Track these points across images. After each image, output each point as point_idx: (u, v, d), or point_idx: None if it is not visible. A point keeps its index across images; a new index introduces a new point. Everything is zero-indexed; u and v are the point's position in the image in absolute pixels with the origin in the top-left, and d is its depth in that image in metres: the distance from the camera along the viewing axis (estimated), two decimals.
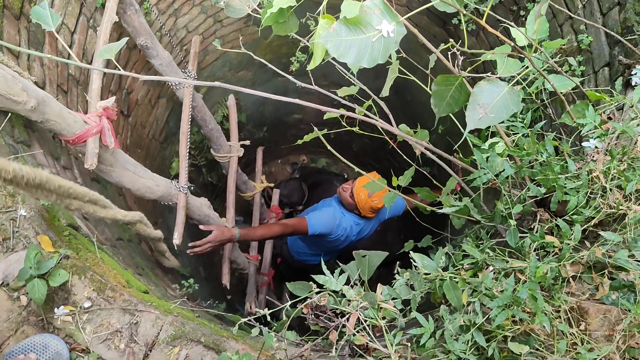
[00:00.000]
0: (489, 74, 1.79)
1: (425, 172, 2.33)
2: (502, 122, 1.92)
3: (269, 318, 1.67)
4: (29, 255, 1.54)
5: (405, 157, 2.33)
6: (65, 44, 1.80)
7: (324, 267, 1.80)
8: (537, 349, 1.52)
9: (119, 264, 2.05)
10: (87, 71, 2.66)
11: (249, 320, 1.72)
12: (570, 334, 1.53)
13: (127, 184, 2.46)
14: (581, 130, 1.75)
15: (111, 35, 2.81)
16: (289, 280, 1.86)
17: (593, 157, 1.65)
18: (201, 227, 3.14)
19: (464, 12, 1.45)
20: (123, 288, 1.75)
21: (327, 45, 1.32)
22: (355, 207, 3.63)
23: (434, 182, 2.28)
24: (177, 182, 3.01)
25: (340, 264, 1.98)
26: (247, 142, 3.97)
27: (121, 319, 1.64)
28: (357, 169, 2.21)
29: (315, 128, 2.06)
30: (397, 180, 2.26)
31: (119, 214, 2.08)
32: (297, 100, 1.71)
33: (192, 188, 3.12)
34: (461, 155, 2.04)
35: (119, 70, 1.48)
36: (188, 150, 3.19)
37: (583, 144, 1.72)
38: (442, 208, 1.94)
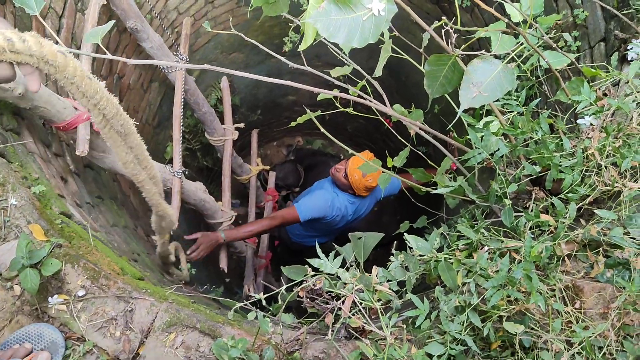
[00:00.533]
0: (483, 51, 1.76)
1: (420, 152, 2.31)
2: (497, 100, 1.90)
3: (264, 302, 1.67)
4: (21, 245, 1.52)
5: (400, 137, 2.31)
6: (52, 29, 1.76)
7: (319, 251, 1.79)
8: (533, 328, 1.52)
9: (114, 251, 2.03)
10: (77, 56, 2.62)
11: (245, 304, 1.72)
12: (565, 312, 1.53)
13: (120, 170, 2.43)
14: (576, 108, 1.73)
15: (100, 18, 2.76)
16: (287, 263, 1.86)
17: (588, 134, 1.63)
18: (185, 237, 3.22)
19: None
20: (117, 276, 1.74)
21: (316, 25, 1.29)
22: (350, 187, 3.63)
23: (429, 162, 2.27)
24: (172, 166, 2.99)
25: (336, 246, 1.97)
26: (242, 125, 3.94)
27: (116, 306, 1.64)
28: (350, 151, 2.19)
29: (308, 110, 2.04)
30: (392, 161, 2.24)
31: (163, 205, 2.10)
32: (288, 82, 1.68)
33: (186, 172, 3.10)
34: (455, 135, 2.02)
35: (107, 54, 1.44)
36: (182, 135, 3.16)
37: (578, 121, 1.70)
38: (437, 188, 1.93)
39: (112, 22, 1.59)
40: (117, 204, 2.96)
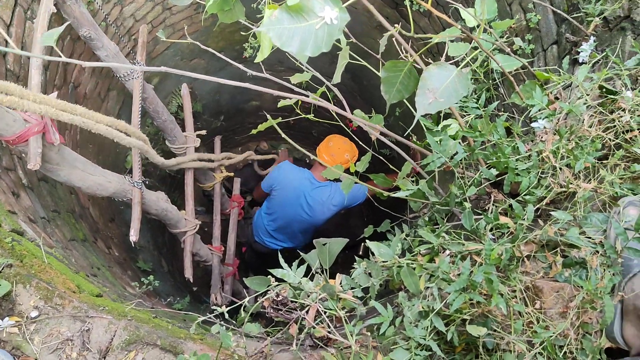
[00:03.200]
0: (444, 55, 1.77)
1: (385, 154, 2.31)
2: (456, 103, 1.92)
3: (227, 316, 1.63)
4: None
5: (361, 142, 2.31)
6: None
7: (281, 261, 1.77)
8: (495, 330, 1.54)
9: (70, 268, 1.97)
10: (28, 66, 2.53)
11: (209, 317, 1.69)
12: (526, 313, 1.55)
13: (76, 183, 2.36)
14: (530, 111, 1.76)
15: (51, 26, 2.68)
16: (256, 267, 1.84)
17: (542, 137, 1.66)
18: None
19: None
20: (73, 294, 1.68)
21: (269, 34, 1.28)
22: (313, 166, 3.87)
23: (391, 167, 2.27)
24: (131, 177, 2.92)
25: (301, 253, 1.96)
26: (203, 132, 3.87)
27: (71, 326, 1.58)
28: (312, 157, 2.18)
29: (269, 117, 2.02)
30: (355, 166, 2.24)
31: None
32: (247, 85, 1.65)
33: (147, 182, 3.03)
34: (415, 139, 2.03)
35: (62, 57, 1.39)
36: None
37: (532, 124, 1.73)
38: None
39: (67, 23, 1.53)
40: (75, 217, 2.88)
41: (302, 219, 4.07)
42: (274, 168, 4.02)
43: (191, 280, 3.64)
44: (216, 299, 4.18)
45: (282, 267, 1.76)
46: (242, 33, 2.74)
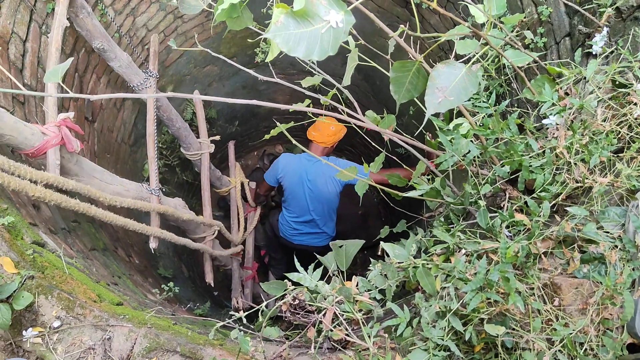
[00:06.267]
0: (453, 53, 1.76)
1: (399, 153, 2.31)
2: (468, 100, 1.91)
3: (245, 321, 1.65)
4: None
5: (373, 143, 2.31)
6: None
7: (297, 264, 1.78)
8: (514, 329, 1.52)
9: (90, 277, 2.00)
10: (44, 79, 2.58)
11: (227, 322, 1.70)
12: (545, 311, 1.53)
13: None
14: (541, 107, 1.74)
15: (66, 40, 2.73)
16: (290, 264, 1.85)
17: (554, 134, 1.64)
18: None
19: None
20: (94, 303, 1.71)
21: (275, 39, 1.29)
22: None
23: (404, 166, 2.27)
24: (149, 184, 2.96)
25: (318, 256, 1.96)
26: (217, 138, 3.91)
27: (93, 335, 1.60)
28: (324, 160, 2.19)
29: (278, 123, 2.03)
30: (369, 167, 2.24)
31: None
32: (253, 102, 1.67)
33: (164, 190, 3.07)
34: (428, 138, 2.02)
35: (70, 93, 1.42)
36: (159, 151, 3.13)
37: (543, 121, 1.71)
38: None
39: (70, 60, 1.55)
40: (95, 226, 2.92)
41: (310, 197, 4.15)
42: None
43: (212, 285, 3.68)
44: (237, 302, 4.21)
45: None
46: (249, 40, 2.75)
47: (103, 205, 3.21)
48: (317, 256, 1.97)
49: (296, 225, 4.35)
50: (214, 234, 3.60)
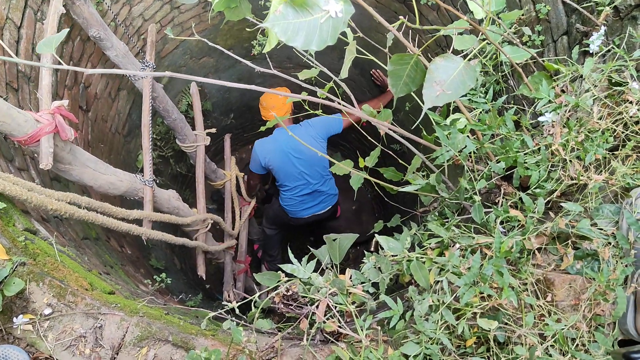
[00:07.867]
0: (451, 48, 1.76)
1: (395, 149, 2.31)
2: (464, 95, 1.91)
3: (237, 311, 1.64)
4: None
5: (369, 137, 2.30)
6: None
7: (291, 256, 1.77)
8: (506, 323, 1.53)
9: (82, 266, 1.99)
10: (38, 67, 2.56)
11: (219, 313, 1.69)
12: (537, 306, 1.54)
13: (88, 182, 2.38)
14: (538, 104, 1.74)
15: (61, 27, 2.70)
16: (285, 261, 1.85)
17: (549, 131, 1.65)
18: None
19: None
20: (85, 291, 1.70)
21: (274, 29, 1.28)
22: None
23: (400, 161, 2.27)
24: (143, 175, 2.94)
25: (311, 249, 1.96)
26: (213, 130, 3.89)
27: (84, 323, 1.59)
28: (321, 154, 2.19)
29: (275, 115, 2.02)
30: (364, 161, 2.24)
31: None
32: (253, 87, 1.66)
33: (157, 181, 3.06)
34: (425, 133, 2.02)
35: (62, 65, 1.40)
36: (154, 142, 3.12)
37: (539, 118, 1.72)
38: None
39: (66, 30, 1.54)
40: None
41: (302, 165, 4.17)
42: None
43: (204, 278, 3.67)
44: (229, 295, 4.20)
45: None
46: (247, 30, 2.74)
47: (97, 196, 3.20)
48: (311, 249, 1.97)
49: (301, 199, 4.37)
50: (207, 226, 3.59)
